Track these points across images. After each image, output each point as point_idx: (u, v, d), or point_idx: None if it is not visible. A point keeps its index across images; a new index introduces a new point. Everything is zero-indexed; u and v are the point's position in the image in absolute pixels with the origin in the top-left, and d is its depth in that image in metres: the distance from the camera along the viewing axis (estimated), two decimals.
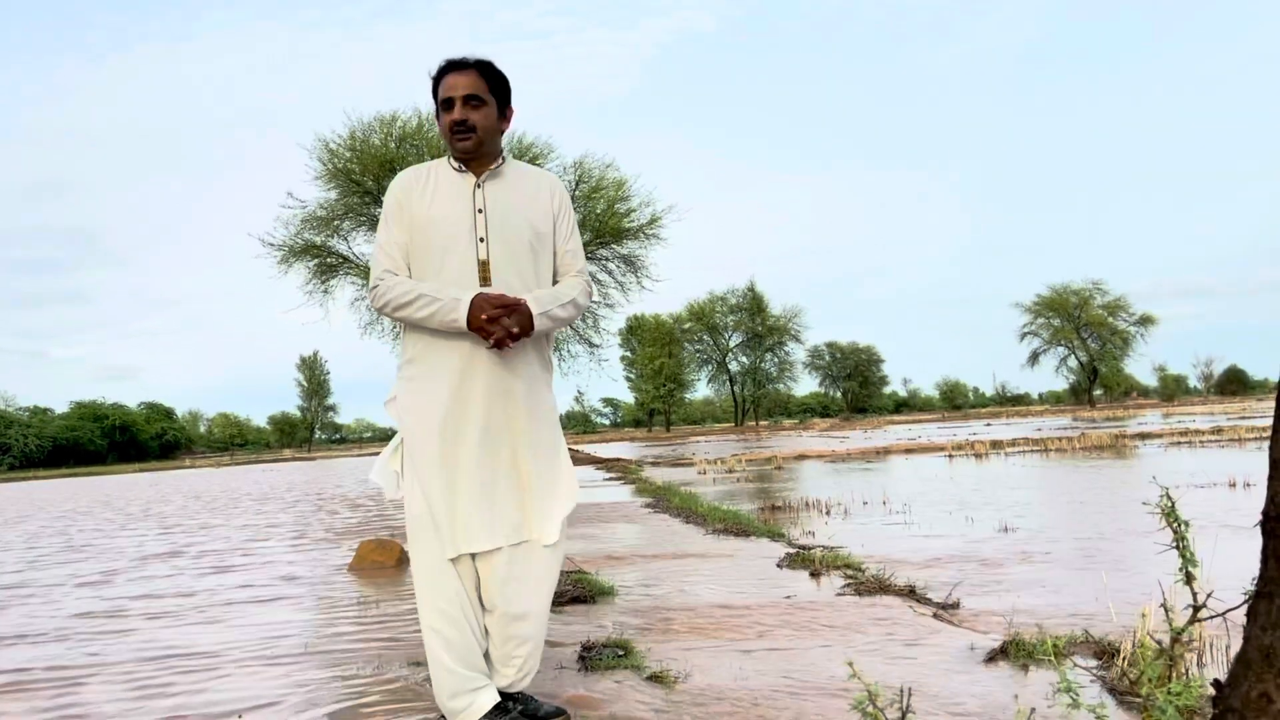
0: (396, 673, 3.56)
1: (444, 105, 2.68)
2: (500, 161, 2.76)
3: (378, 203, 17.80)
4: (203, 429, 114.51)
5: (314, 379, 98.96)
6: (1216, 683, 1.38)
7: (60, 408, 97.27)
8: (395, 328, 18.58)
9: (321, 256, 18.16)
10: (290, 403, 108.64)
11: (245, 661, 3.98)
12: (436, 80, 2.72)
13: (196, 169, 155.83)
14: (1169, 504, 1.55)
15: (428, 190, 2.69)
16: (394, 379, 2.81)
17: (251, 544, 9.27)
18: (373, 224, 18.13)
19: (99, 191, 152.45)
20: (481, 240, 2.66)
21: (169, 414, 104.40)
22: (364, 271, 18.08)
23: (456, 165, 2.74)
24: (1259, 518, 1.36)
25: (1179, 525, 1.54)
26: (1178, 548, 1.53)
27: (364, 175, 17.37)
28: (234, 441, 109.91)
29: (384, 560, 6.82)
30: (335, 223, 17.96)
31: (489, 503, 2.63)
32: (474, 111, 2.66)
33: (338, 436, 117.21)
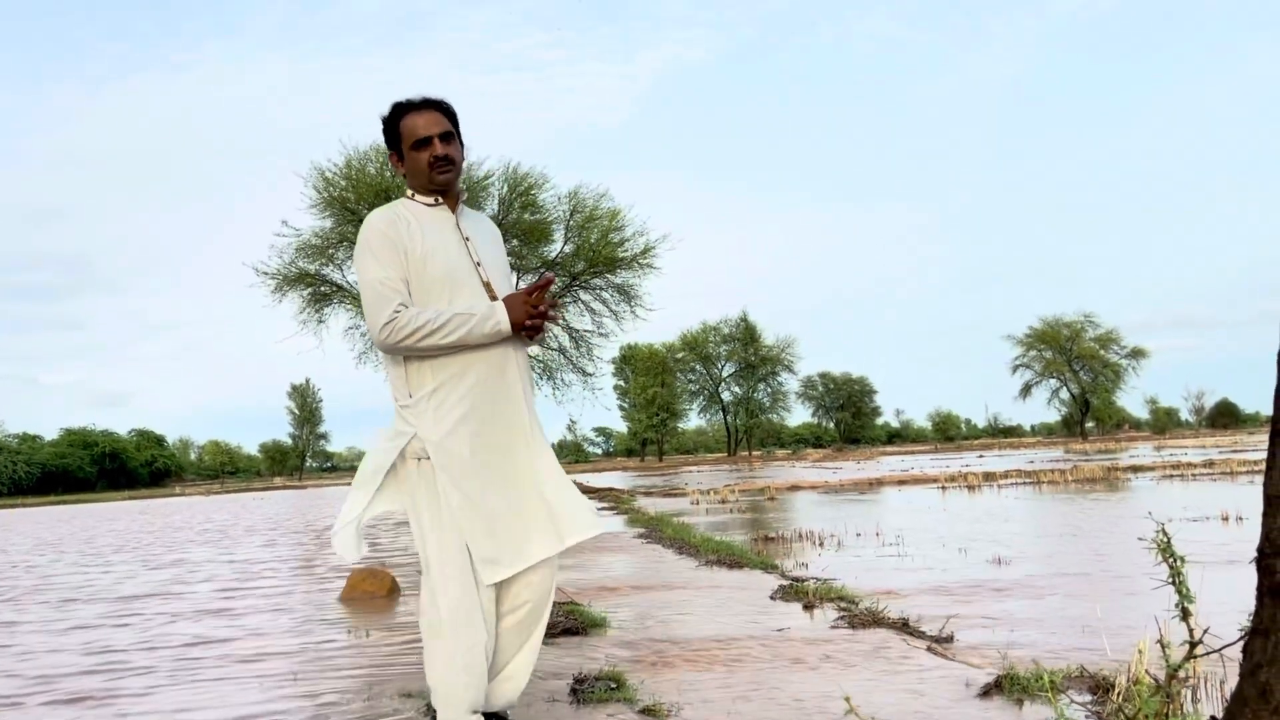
0: (387, 704, 3.52)
1: (420, 144, 2.73)
2: (462, 195, 2.90)
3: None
4: (193, 456, 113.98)
5: (305, 407, 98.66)
6: (1213, 719, 1.37)
7: (50, 434, 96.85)
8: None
9: (315, 285, 18.19)
10: (282, 430, 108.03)
11: (233, 692, 3.93)
12: (395, 120, 2.77)
13: (193, 197, 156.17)
14: (1165, 539, 1.55)
15: (413, 226, 2.71)
16: (393, 415, 2.75)
17: (241, 574, 9.20)
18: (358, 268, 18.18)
19: (94, 218, 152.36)
20: (478, 264, 2.78)
21: (159, 441, 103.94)
22: (358, 300, 18.12)
23: (431, 200, 2.79)
24: (1254, 554, 1.36)
25: (1175, 560, 1.54)
26: (1174, 583, 1.54)
27: (359, 204, 17.44)
28: (224, 469, 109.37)
29: (375, 590, 6.77)
30: (330, 251, 18.02)
31: (562, 496, 2.74)
32: (450, 147, 2.75)
33: (329, 464, 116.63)
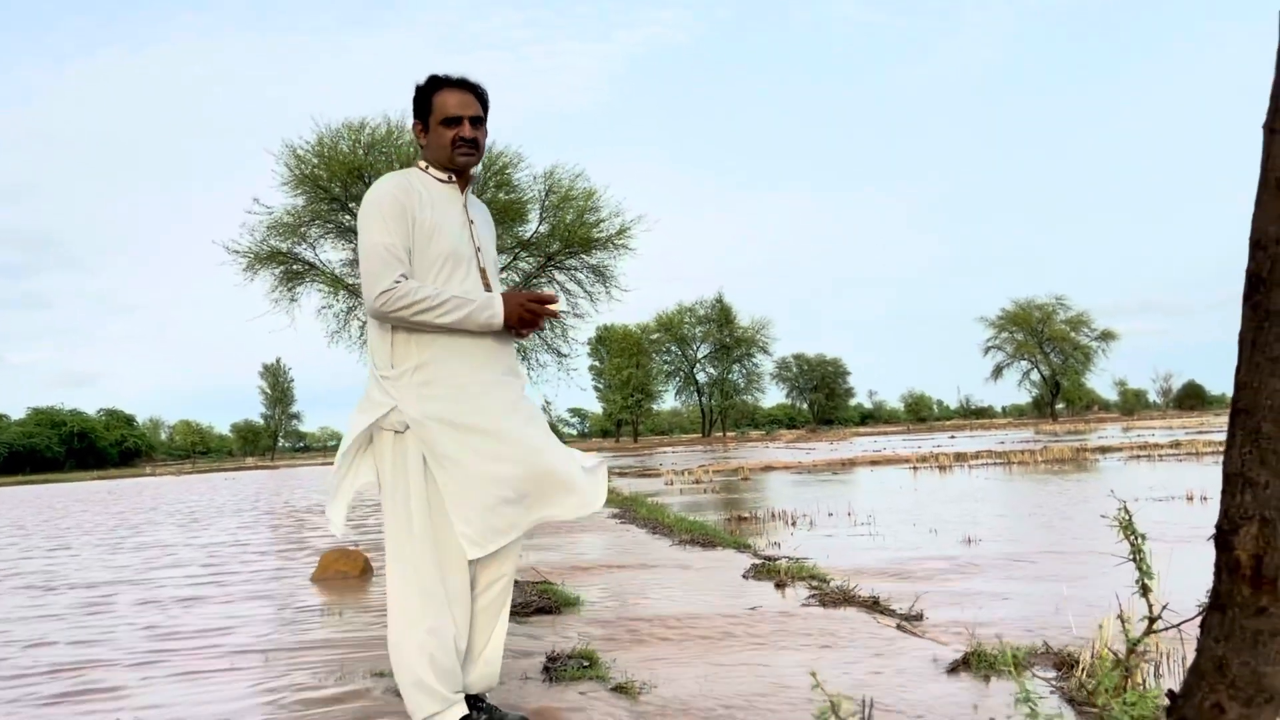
0: (360, 684, 3.53)
1: (450, 121, 2.74)
2: (474, 180, 2.90)
3: (345, 209, 17.68)
4: (164, 436, 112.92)
5: (278, 386, 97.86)
6: (1171, 693, 1.41)
7: (17, 414, 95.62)
8: (363, 335, 18.47)
9: (287, 263, 18.01)
10: (254, 410, 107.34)
11: (205, 673, 3.92)
12: (429, 92, 2.76)
13: (161, 174, 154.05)
14: (1126, 517, 1.58)
15: (424, 198, 2.72)
16: (368, 385, 2.75)
17: (211, 555, 9.15)
18: (340, 231, 18.01)
19: (60, 196, 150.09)
20: (478, 250, 2.81)
21: (129, 421, 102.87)
22: (330, 279, 17.96)
23: (444, 176, 2.80)
24: (1213, 531, 1.39)
25: (1136, 538, 1.57)
26: (1134, 560, 1.56)
27: (331, 182, 17.27)
28: (196, 449, 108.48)
29: (348, 570, 6.76)
30: (302, 229, 17.83)
31: (554, 469, 2.71)
32: (478, 131, 2.77)
33: (301, 444, 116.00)
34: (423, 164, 2.82)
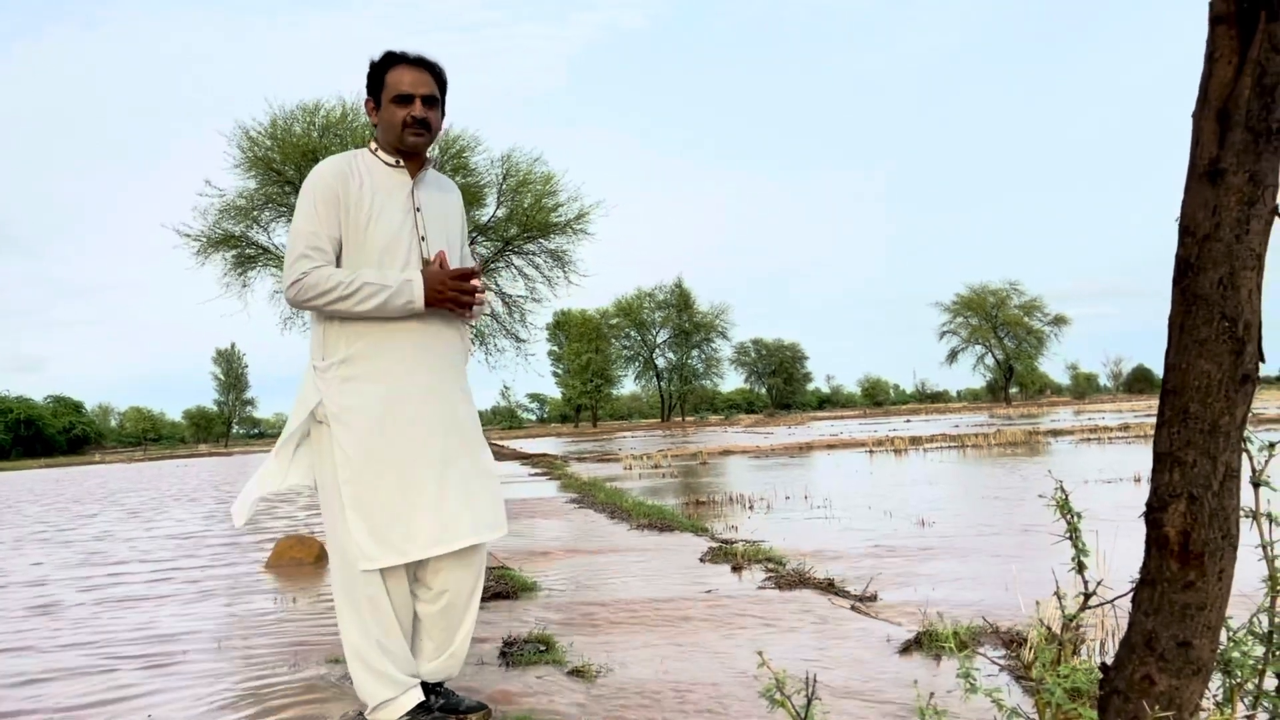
0: (314, 670, 3.51)
1: (402, 99, 2.60)
2: (429, 162, 2.76)
3: (299, 191, 17.45)
4: (114, 423, 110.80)
5: (231, 372, 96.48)
6: (1103, 665, 1.45)
7: None
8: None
9: (240, 247, 17.75)
10: (207, 396, 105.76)
11: (156, 663, 3.88)
12: (383, 68, 2.63)
13: (110, 156, 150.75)
14: (1063, 497, 1.63)
15: (365, 183, 2.60)
16: (304, 380, 2.66)
17: (162, 543, 9.03)
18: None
19: (4, 177, 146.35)
20: (423, 239, 2.66)
21: (77, 408, 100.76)
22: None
23: (392, 160, 2.67)
24: (1144, 509, 1.44)
25: (1072, 517, 1.62)
26: (1071, 539, 1.61)
27: (285, 164, 17.02)
28: (147, 436, 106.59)
29: (303, 557, 6.71)
30: (255, 212, 17.58)
31: (465, 497, 2.60)
32: (431, 112, 2.63)
33: (256, 431, 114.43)
34: (373, 145, 2.70)
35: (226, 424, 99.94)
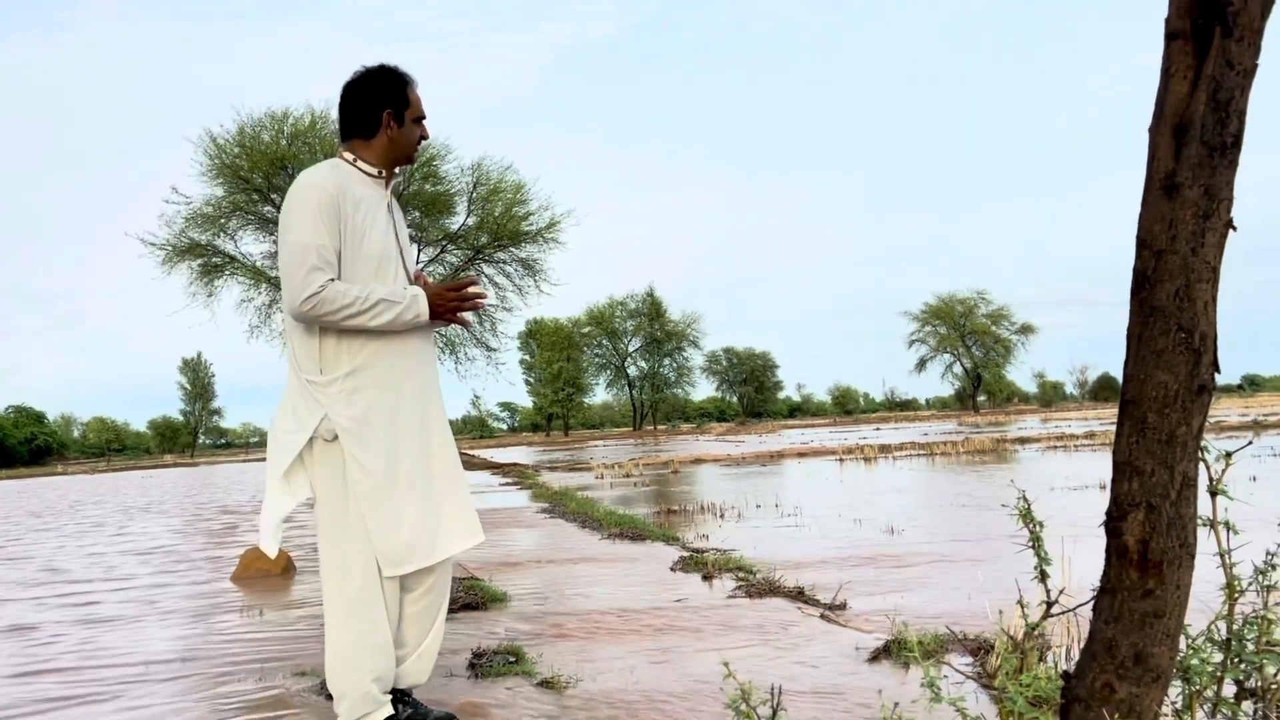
0: (281, 683, 3.47)
1: (419, 120, 2.76)
2: (397, 176, 2.84)
3: (267, 200, 17.28)
4: (76, 434, 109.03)
5: (198, 382, 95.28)
6: (1065, 674, 1.47)
7: None
8: (284, 332, 18.05)
9: (207, 256, 17.54)
10: (172, 406, 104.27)
11: (122, 677, 3.82)
12: (405, 84, 2.73)
13: (75, 162, 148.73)
14: (1025, 506, 1.64)
15: (354, 195, 2.61)
16: (292, 390, 2.64)
17: (128, 554, 8.89)
18: (262, 222, 17.60)
19: None
20: (401, 249, 2.75)
21: (39, 418, 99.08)
22: (251, 271, 17.54)
23: (375, 171, 2.71)
24: (1104, 518, 1.45)
25: (1034, 526, 1.63)
26: (1033, 547, 1.63)
27: (253, 171, 16.86)
28: (110, 447, 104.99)
29: (269, 568, 6.63)
30: (222, 221, 17.38)
31: (458, 502, 2.72)
32: None
33: (223, 441, 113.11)
34: (349, 155, 2.70)
35: (192, 434, 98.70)
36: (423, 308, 2.63)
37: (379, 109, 2.69)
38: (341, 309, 2.50)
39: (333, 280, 2.52)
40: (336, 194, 2.56)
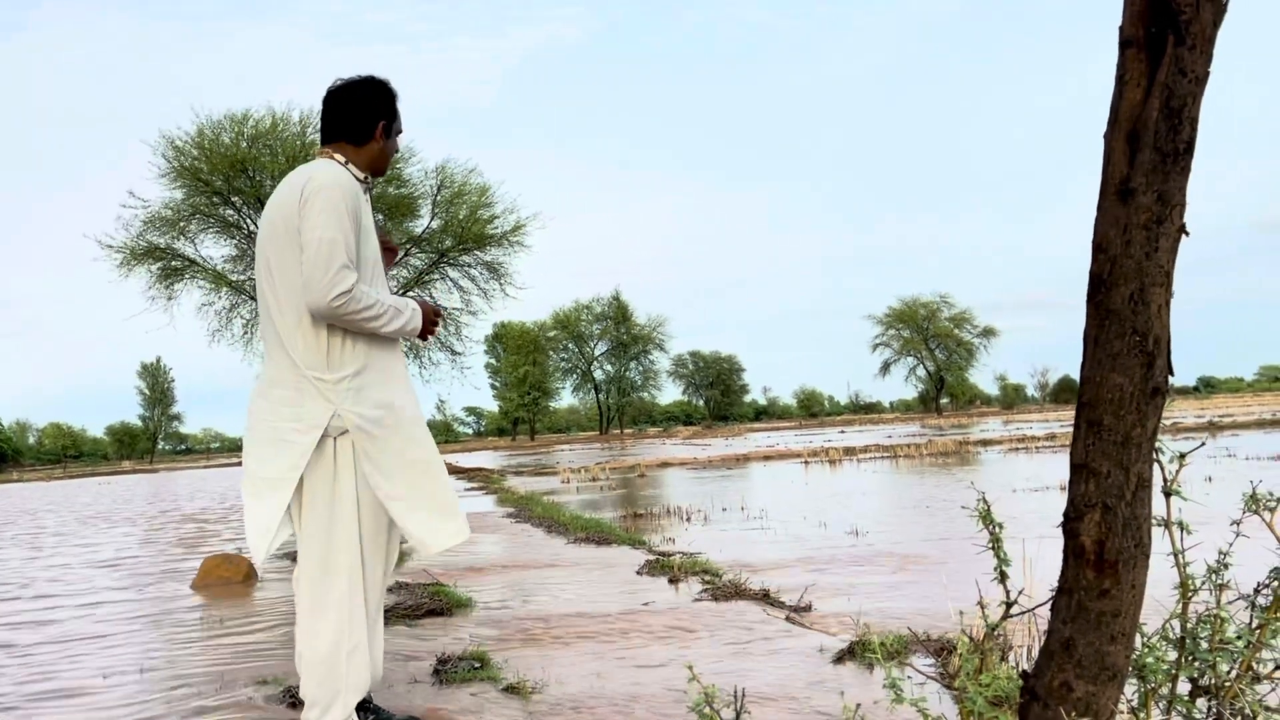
0: (241, 691, 3.43)
1: (398, 134, 2.86)
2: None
3: (227, 203, 17.08)
4: (31, 440, 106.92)
5: (157, 387, 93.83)
6: (1023, 673, 1.49)
7: None
8: (247, 333, 17.85)
9: (166, 259, 17.30)
10: (130, 412, 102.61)
11: (79, 688, 3.75)
12: (396, 100, 2.81)
13: (30, 164, 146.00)
14: (985, 508, 1.66)
15: (361, 202, 2.68)
16: (299, 397, 2.59)
17: (85, 561, 8.74)
18: (224, 226, 17.39)
19: None
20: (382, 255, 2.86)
21: None
22: (212, 275, 17.32)
23: (362, 177, 2.76)
24: (1061, 519, 1.47)
25: (994, 528, 1.65)
26: (993, 549, 1.65)
27: (213, 174, 16.66)
28: (67, 453, 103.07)
29: (231, 576, 6.54)
30: (181, 224, 17.15)
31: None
32: None
33: (183, 447, 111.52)
34: (339, 158, 2.71)
35: (152, 440, 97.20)
36: (419, 321, 2.73)
37: (375, 118, 2.75)
38: (364, 309, 2.55)
39: (359, 281, 2.56)
40: (354, 195, 2.61)
